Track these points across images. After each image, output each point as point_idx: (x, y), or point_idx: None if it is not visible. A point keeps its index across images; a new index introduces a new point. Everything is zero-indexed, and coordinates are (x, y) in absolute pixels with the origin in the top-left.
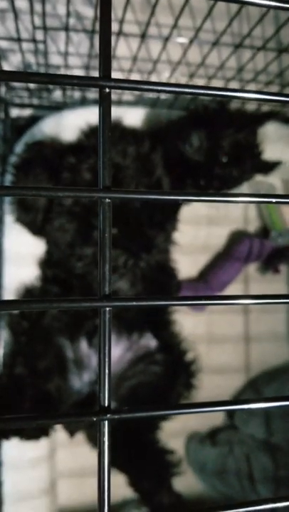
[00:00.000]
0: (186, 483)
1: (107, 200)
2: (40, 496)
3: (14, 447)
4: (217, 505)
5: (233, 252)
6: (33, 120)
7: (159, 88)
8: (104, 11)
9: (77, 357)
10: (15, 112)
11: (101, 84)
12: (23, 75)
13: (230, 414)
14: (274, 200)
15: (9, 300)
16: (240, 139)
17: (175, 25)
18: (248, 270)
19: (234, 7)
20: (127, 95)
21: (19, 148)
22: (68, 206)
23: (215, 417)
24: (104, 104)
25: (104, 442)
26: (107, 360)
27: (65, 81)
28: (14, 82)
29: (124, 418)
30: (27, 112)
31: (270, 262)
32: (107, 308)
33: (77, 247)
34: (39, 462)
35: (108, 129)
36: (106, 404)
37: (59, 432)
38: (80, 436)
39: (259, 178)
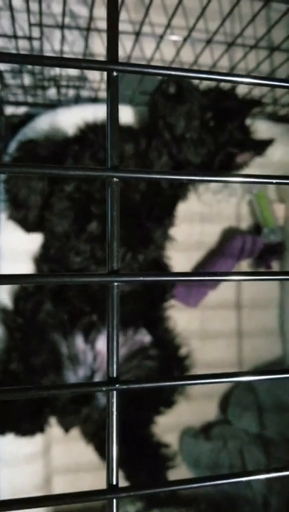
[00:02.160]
0: (180, 477)
1: (115, 179)
2: (36, 491)
3: (9, 443)
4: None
5: (226, 248)
6: (27, 118)
7: (165, 72)
8: None
9: (73, 353)
10: (9, 110)
11: (109, 68)
12: (36, 58)
13: (224, 408)
14: (274, 181)
15: (19, 274)
16: (225, 107)
17: (168, 25)
18: (240, 266)
19: (226, 7)
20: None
21: (13, 145)
22: (69, 192)
23: (208, 412)
24: (112, 87)
25: (112, 412)
26: (115, 333)
27: (75, 64)
28: (10, 80)
29: (133, 388)
30: (21, 110)
31: (262, 259)
32: (115, 284)
33: (73, 239)
34: (34, 458)
35: (116, 110)
36: (114, 375)
37: (54, 428)
38: (75, 432)
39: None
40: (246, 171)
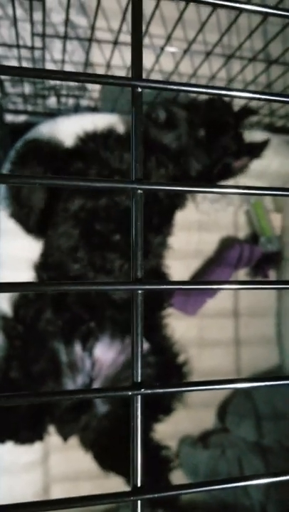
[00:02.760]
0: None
1: (139, 191)
2: (34, 500)
3: (8, 452)
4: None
5: (224, 257)
6: (27, 126)
7: (188, 89)
8: (136, 14)
9: (71, 360)
10: (9, 118)
11: (134, 84)
12: (62, 73)
13: (222, 417)
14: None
15: (43, 282)
16: (218, 120)
17: (169, 38)
18: (238, 275)
19: (224, 19)
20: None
21: (13, 153)
22: (74, 211)
23: (206, 420)
24: (137, 102)
25: (137, 417)
26: (140, 339)
27: (101, 80)
28: (10, 88)
29: (157, 393)
30: (21, 118)
31: (259, 268)
32: (139, 291)
33: (73, 251)
34: (33, 467)
35: (140, 125)
36: (139, 380)
37: (52, 436)
38: (74, 441)
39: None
40: (244, 177)
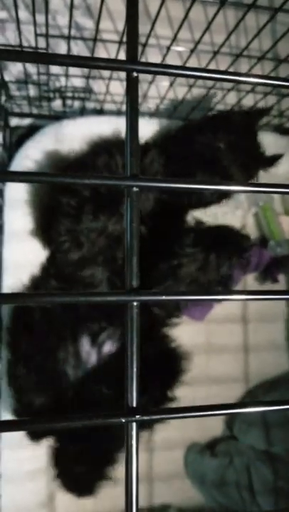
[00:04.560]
0: (185, 494)
1: (135, 188)
2: (38, 509)
3: (12, 460)
4: None
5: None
6: (32, 129)
7: (185, 72)
8: None
9: (77, 352)
10: (14, 121)
11: (128, 68)
12: (52, 56)
13: (230, 425)
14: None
15: (36, 293)
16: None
17: (175, 38)
18: (246, 280)
19: (231, 17)
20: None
21: (19, 156)
22: (93, 239)
23: (214, 428)
24: (132, 89)
25: (132, 445)
26: (135, 358)
27: (93, 63)
28: (15, 91)
29: (153, 420)
30: (26, 122)
31: (268, 272)
32: (135, 303)
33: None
34: (37, 475)
35: (136, 115)
36: (134, 405)
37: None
38: None
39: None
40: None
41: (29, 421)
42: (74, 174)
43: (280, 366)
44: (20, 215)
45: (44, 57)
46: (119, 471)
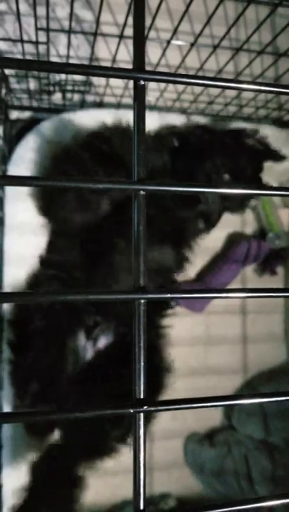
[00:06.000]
0: (185, 483)
1: (142, 192)
2: None
3: (13, 451)
4: (214, 504)
5: (231, 254)
6: (32, 122)
7: (192, 81)
8: (139, 3)
9: (75, 346)
10: (14, 114)
11: (136, 77)
12: (60, 65)
13: (228, 415)
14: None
15: (45, 291)
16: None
17: (175, 31)
18: (245, 272)
19: (231, 11)
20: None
21: (19, 149)
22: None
23: (213, 418)
24: (139, 96)
25: (140, 435)
26: (142, 352)
27: (101, 72)
28: (15, 84)
29: (160, 410)
30: (26, 115)
31: (267, 264)
32: (142, 301)
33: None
34: None
35: (143, 120)
36: (142, 397)
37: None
38: None
39: None
40: None
41: (39, 412)
42: (81, 178)
43: (278, 357)
44: (21, 208)
45: (54, 67)
46: (111, 462)
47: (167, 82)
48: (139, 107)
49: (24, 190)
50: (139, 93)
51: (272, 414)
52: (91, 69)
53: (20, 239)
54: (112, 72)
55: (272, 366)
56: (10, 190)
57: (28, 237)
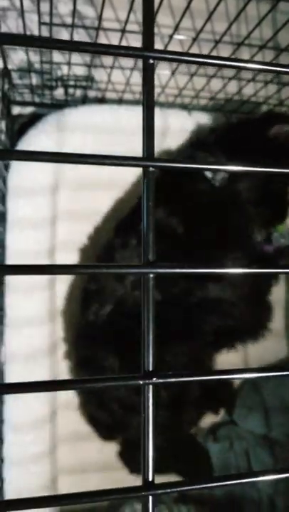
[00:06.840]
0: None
1: (151, 168)
2: (41, 492)
3: (15, 443)
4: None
5: None
6: (34, 118)
7: (202, 60)
8: None
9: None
10: (16, 110)
11: (145, 55)
12: (72, 43)
13: (230, 410)
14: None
15: (60, 264)
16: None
17: (177, 27)
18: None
19: (232, 6)
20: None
21: (22, 144)
22: None
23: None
24: (149, 76)
25: (148, 407)
26: (151, 325)
27: (111, 51)
28: (17, 80)
29: (169, 382)
30: (28, 110)
31: (272, 263)
32: (151, 275)
33: None
34: (40, 458)
35: (152, 101)
36: (150, 369)
37: (60, 427)
38: (81, 432)
39: None
40: None
41: (57, 382)
42: (91, 154)
43: (279, 353)
44: (23, 203)
45: (66, 44)
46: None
47: (176, 61)
48: (149, 87)
49: (26, 185)
50: (148, 72)
51: (273, 409)
52: (101, 47)
53: (22, 234)
54: (122, 50)
55: (273, 362)
56: (12, 185)
57: (29, 233)
